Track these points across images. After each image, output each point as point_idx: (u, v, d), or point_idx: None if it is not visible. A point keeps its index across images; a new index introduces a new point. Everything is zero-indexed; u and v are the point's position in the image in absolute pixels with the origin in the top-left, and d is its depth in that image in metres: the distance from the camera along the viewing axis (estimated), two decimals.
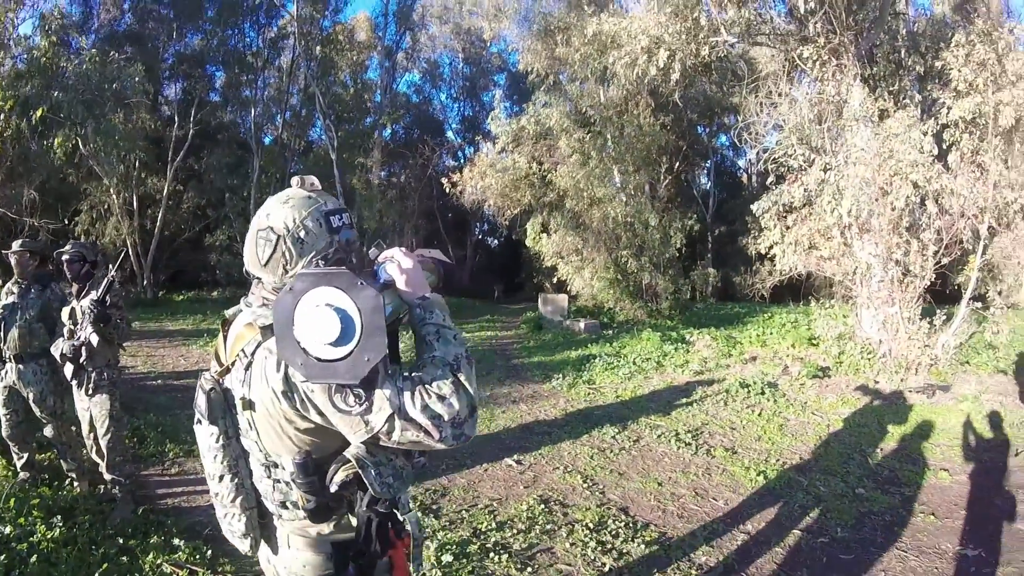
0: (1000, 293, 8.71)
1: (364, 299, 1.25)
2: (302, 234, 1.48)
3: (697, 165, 26.23)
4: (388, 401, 1.31)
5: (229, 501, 1.58)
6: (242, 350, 1.50)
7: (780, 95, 10.42)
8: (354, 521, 1.52)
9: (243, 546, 1.63)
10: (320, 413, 1.36)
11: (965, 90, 8.34)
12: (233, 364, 1.53)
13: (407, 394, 1.32)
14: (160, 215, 21.51)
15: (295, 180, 1.60)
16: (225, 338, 1.62)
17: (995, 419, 6.82)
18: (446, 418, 1.31)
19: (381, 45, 27.34)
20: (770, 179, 10.41)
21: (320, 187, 1.61)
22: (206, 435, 1.57)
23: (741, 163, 28.03)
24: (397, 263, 1.52)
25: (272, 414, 1.43)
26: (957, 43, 8.50)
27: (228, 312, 1.64)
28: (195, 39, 23.85)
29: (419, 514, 4.30)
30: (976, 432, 6.46)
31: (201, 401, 1.54)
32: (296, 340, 1.26)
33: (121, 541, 3.82)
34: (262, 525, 1.65)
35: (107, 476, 4.41)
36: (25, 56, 13.45)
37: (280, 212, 1.51)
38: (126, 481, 4.41)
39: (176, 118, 21.92)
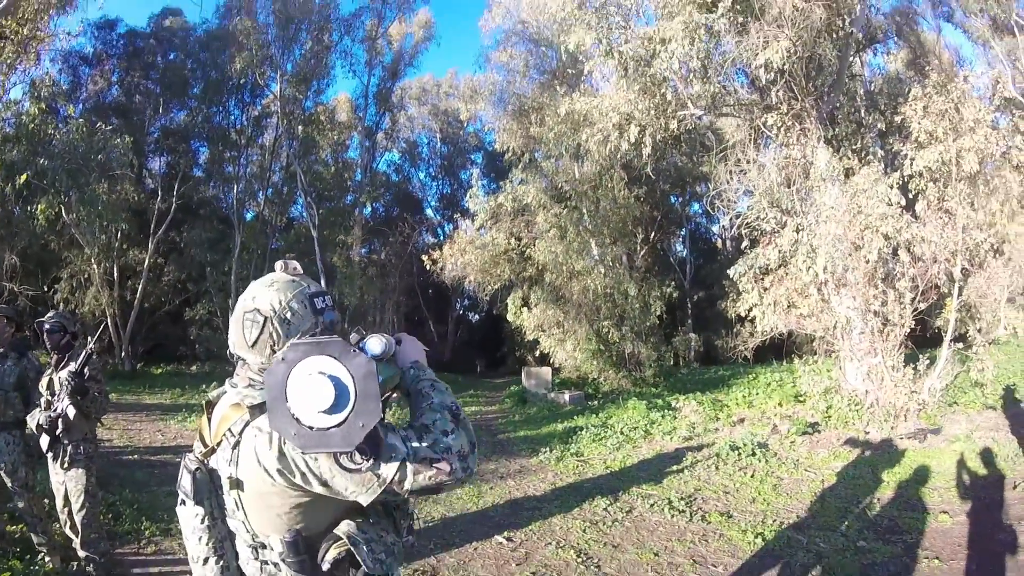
0: (980, 331, 8.81)
1: (357, 365, 1.26)
2: (288, 315, 1.53)
3: (672, 234, 26.70)
4: (396, 448, 1.35)
5: None
6: (229, 430, 1.49)
7: (748, 162, 10.70)
8: None
9: None
10: (323, 483, 1.35)
11: (926, 140, 8.62)
12: (219, 444, 1.52)
13: (414, 437, 1.38)
14: (140, 287, 21.42)
15: (278, 264, 1.65)
16: (210, 419, 1.62)
17: (988, 455, 6.80)
18: (454, 450, 1.38)
19: (361, 125, 27.97)
20: (744, 243, 10.58)
21: (302, 271, 1.67)
22: (190, 516, 1.53)
23: (715, 229, 28.46)
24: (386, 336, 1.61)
25: (263, 493, 1.41)
26: (914, 97, 8.83)
27: (212, 393, 1.65)
28: (180, 115, 24.27)
29: None
30: (971, 470, 6.43)
31: (186, 481, 1.52)
32: (289, 410, 1.25)
33: None
34: None
35: (81, 553, 4.26)
36: (13, 121, 13.52)
37: (266, 295, 1.55)
38: (100, 559, 4.27)
39: (159, 191, 22.21)
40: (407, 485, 1.34)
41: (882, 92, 12.52)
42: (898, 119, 9.55)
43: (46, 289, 19.89)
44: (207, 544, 1.52)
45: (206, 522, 1.51)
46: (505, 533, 5.60)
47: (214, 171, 24.78)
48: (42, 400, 4.15)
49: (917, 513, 5.38)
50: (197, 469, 1.52)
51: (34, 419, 4.10)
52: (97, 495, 4.39)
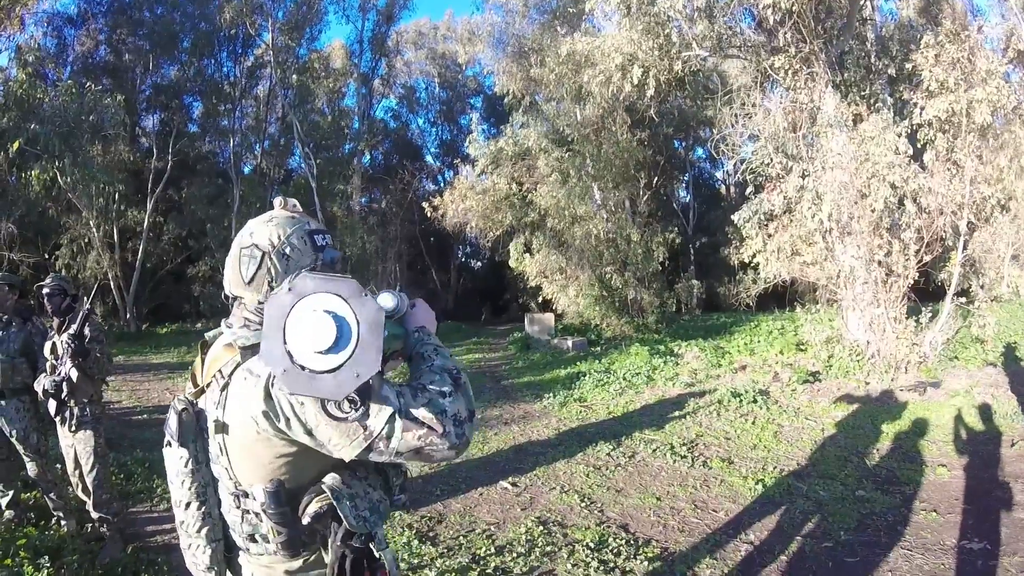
0: (983, 287, 8.83)
1: (366, 311, 1.20)
2: (287, 251, 1.47)
3: (676, 179, 26.43)
4: (387, 401, 1.27)
5: (195, 531, 1.50)
6: (219, 371, 1.44)
7: (753, 105, 10.53)
8: (326, 557, 1.44)
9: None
10: (308, 431, 1.28)
11: (937, 90, 8.45)
12: (208, 385, 1.48)
13: (408, 393, 1.30)
14: (141, 247, 21.39)
15: (277, 201, 1.60)
16: (203, 360, 1.57)
17: (987, 411, 6.88)
18: (449, 413, 1.30)
19: (357, 72, 27.45)
20: (749, 189, 10.51)
21: (301, 209, 1.62)
22: (175, 458, 1.50)
23: (719, 175, 28.29)
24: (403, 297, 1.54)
25: (247, 438, 1.36)
26: (926, 44, 8.63)
27: (209, 334, 1.59)
28: (171, 70, 23.79)
29: (403, 547, 4.20)
30: (970, 426, 6.50)
31: (172, 422, 1.47)
32: (285, 344, 1.19)
33: None
34: (228, 560, 1.56)
35: (94, 514, 4.29)
36: (1, 88, 13.32)
37: (264, 230, 1.49)
38: (114, 519, 4.29)
39: (155, 149, 21.95)
40: (394, 443, 1.25)
41: (893, 38, 12.26)
42: (909, 66, 9.36)
43: (47, 256, 19.78)
44: (190, 488, 1.48)
45: (190, 466, 1.48)
46: (510, 478, 5.70)
47: (209, 126, 24.51)
48: (47, 365, 4.15)
49: (915, 465, 5.46)
50: (184, 410, 1.47)
51: (40, 384, 4.11)
52: (107, 456, 4.41)
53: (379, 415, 1.25)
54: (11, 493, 4.58)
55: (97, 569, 3.89)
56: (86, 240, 20.61)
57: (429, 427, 1.27)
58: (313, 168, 23.07)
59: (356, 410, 1.24)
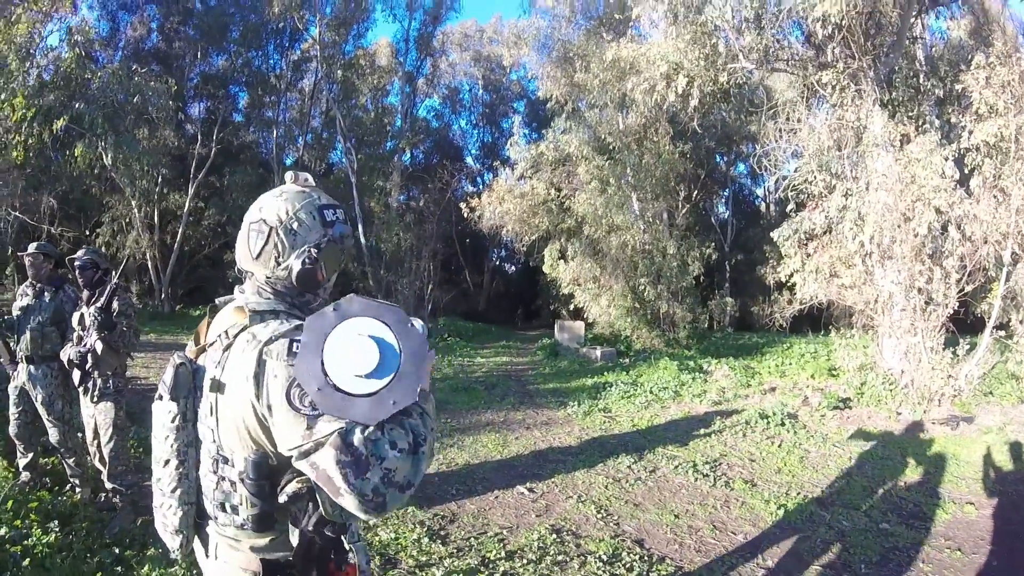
0: (1023, 321, 8.52)
1: (411, 342, 1.20)
2: (295, 226, 1.48)
3: (715, 193, 26.18)
4: (340, 420, 1.20)
5: (169, 490, 1.47)
6: (225, 331, 1.44)
7: (799, 121, 10.38)
8: (294, 539, 1.39)
9: (173, 543, 1.51)
10: (268, 406, 1.26)
11: (986, 113, 8.25)
12: (211, 344, 1.48)
13: (361, 426, 1.19)
14: (180, 230, 21.77)
15: (288, 175, 1.59)
16: (210, 323, 1.58)
17: (1019, 450, 6.66)
18: (385, 465, 1.17)
19: (402, 70, 27.73)
20: (789, 207, 10.35)
21: (314, 183, 1.60)
22: (163, 412, 1.48)
23: (759, 192, 27.99)
24: None
25: (239, 401, 1.35)
26: (977, 65, 8.44)
27: (219, 299, 1.61)
28: (219, 60, 24.34)
29: (413, 544, 4.20)
30: (1000, 464, 6.30)
31: (168, 376, 1.47)
32: (322, 363, 1.18)
33: (118, 551, 3.74)
34: (198, 526, 1.53)
35: (108, 484, 4.37)
36: (51, 67, 13.68)
37: (273, 205, 1.51)
38: (127, 491, 4.36)
39: (199, 136, 22.38)
40: (319, 456, 1.18)
41: (943, 58, 11.96)
42: (958, 88, 9.16)
43: (87, 233, 20.23)
44: (172, 445, 1.46)
45: (176, 422, 1.45)
46: (528, 484, 5.67)
47: (253, 116, 24.94)
48: (74, 335, 4.23)
49: (942, 501, 5.31)
50: (181, 364, 1.47)
51: (66, 354, 4.19)
52: (126, 429, 4.51)
53: (329, 424, 1.19)
54: (31, 456, 4.70)
55: (106, 538, 3.93)
56: (127, 220, 21.07)
57: (356, 464, 1.16)
58: (354, 163, 23.29)
59: (314, 410, 1.21)
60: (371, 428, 1.19)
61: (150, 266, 21.39)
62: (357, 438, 1.17)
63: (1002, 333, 8.54)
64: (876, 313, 9.25)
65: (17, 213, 13.60)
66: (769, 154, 11.46)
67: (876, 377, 8.93)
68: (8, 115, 10.38)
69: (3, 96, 10.30)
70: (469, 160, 33.76)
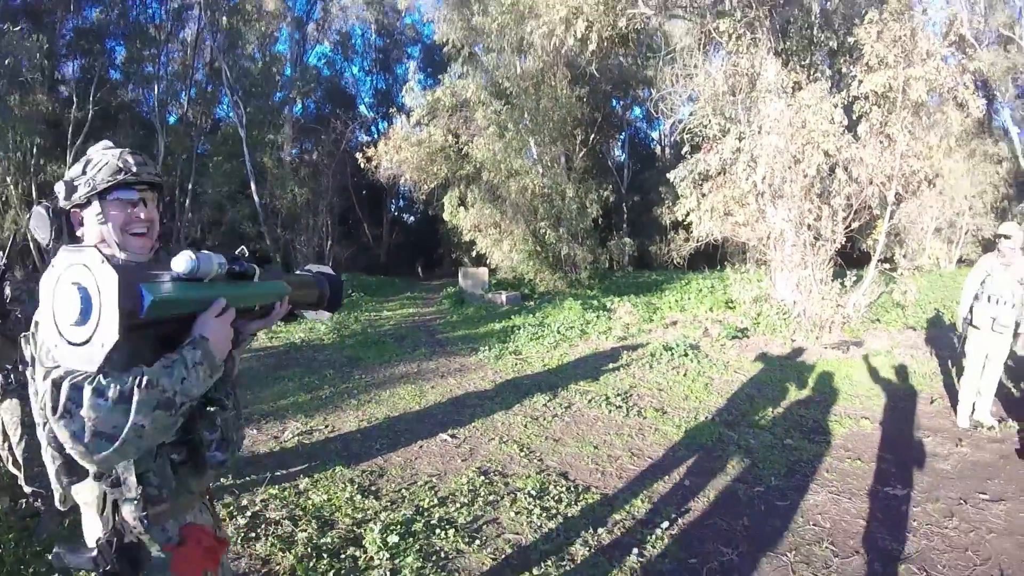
0: (905, 256, 9.25)
1: (103, 279, 1.15)
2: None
3: (612, 137, 26.59)
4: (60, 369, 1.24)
5: (44, 444, 1.48)
6: None
7: (695, 67, 10.61)
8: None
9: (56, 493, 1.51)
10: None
11: (876, 65, 8.67)
12: None
13: (77, 375, 1.23)
14: None
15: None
16: None
17: (905, 371, 7.27)
18: (83, 412, 1.21)
19: (291, 16, 26.47)
20: (685, 149, 10.64)
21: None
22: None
23: (655, 135, 28.61)
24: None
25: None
26: (870, 20, 8.83)
27: None
28: (94, 12, 22.09)
29: (346, 503, 4.21)
30: (890, 383, 6.86)
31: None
32: (55, 319, 1.20)
33: (50, 557, 3.51)
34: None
35: (27, 489, 4.05)
36: None
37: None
38: (47, 492, 3.95)
39: (75, 98, 20.39)
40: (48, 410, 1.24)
41: (837, 12, 12.46)
42: (851, 40, 9.60)
43: None
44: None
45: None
46: (449, 431, 5.71)
47: (132, 72, 22.85)
48: None
49: (839, 417, 5.72)
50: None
51: None
52: (36, 425, 4.14)
53: (47, 377, 1.26)
54: None
55: (36, 546, 3.69)
56: (3, 198, 19.18)
57: (55, 410, 1.23)
58: (243, 117, 22.15)
59: (53, 363, 1.26)
60: (79, 376, 1.22)
61: (32, 246, 19.76)
62: (64, 385, 1.22)
63: (887, 266, 9.22)
64: (769, 249, 9.77)
65: None
66: (665, 98, 11.72)
67: (771, 308, 9.50)
68: None
69: None
70: (363, 109, 32.82)
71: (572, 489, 4.26)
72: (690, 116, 10.85)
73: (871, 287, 9.11)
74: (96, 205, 1.52)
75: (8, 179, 18.22)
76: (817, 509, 3.91)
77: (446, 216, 18.24)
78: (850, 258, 9.82)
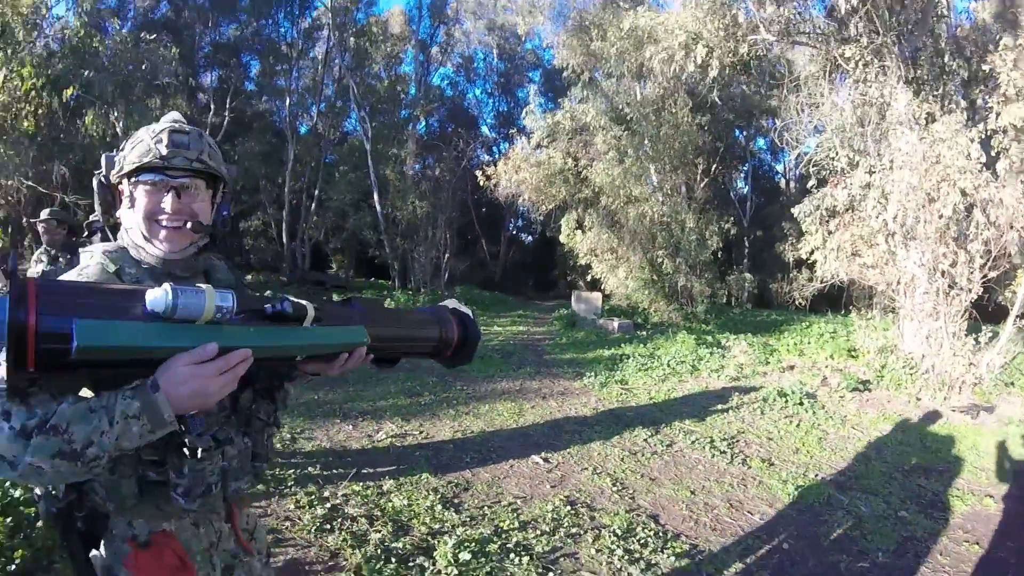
0: None
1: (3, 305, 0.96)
2: None
3: (734, 168, 25.87)
4: None
5: None
6: None
7: (821, 96, 10.20)
8: None
9: None
10: None
11: (1014, 96, 8.03)
12: None
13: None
14: None
15: None
16: None
17: None
18: None
19: (415, 39, 27.72)
20: (811, 183, 10.28)
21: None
22: None
23: (779, 168, 27.60)
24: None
25: None
26: (1005, 47, 8.22)
27: None
28: (230, 29, 24.18)
29: (426, 511, 4.21)
30: (1021, 458, 6.22)
31: None
32: None
33: None
34: None
35: None
36: (59, 36, 13.59)
37: None
38: None
39: (212, 105, 22.29)
40: None
41: (968, 39, 11.67)
42: (985, 68, 8.91)
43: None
44: None
45: None
46: (543, 453, 5.66)
47: (266, 85, 24.89)
48: None
49: (961, 492, 5.23)
50: None
51: None
52: None
53: None
54: None
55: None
56: None
57: None
58: (368, 131, 23.20)
59: None
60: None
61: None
62: None
63: None
64: (898, 295, 9.17)
65: (29, 182, 13.54)
66: (790, 128, 11.34)
67: (896, 360, 8.85)
68: (17, 85, 10.30)
69: (12, 66, 10.22)
70: (484, 129, 33.63)
71: (661, 535, 4.10)
72: (816, 148, 10.43)
73: (1008, 345, 8.27)
74: (126, 187, 1.39)
75: None
76: None
77: (563, 238, 18.28)
78: (985, 311, 9.01)
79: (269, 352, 1.23)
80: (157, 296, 1.06)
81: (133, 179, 1.36)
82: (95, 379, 1.16)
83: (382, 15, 26.98)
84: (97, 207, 1.48)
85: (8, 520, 3.18)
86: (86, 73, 12.60)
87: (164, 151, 1.34)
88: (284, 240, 24.66)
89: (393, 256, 24.27)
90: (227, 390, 1.16)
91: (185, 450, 1.30)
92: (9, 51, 10.34)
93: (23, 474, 1.07)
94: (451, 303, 1.78)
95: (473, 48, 32.97)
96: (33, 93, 10.68)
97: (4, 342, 0.95)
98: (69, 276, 1.34)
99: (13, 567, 2.95)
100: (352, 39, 23.38)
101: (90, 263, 1.37)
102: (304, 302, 1.28)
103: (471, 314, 1.75)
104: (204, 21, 22.94)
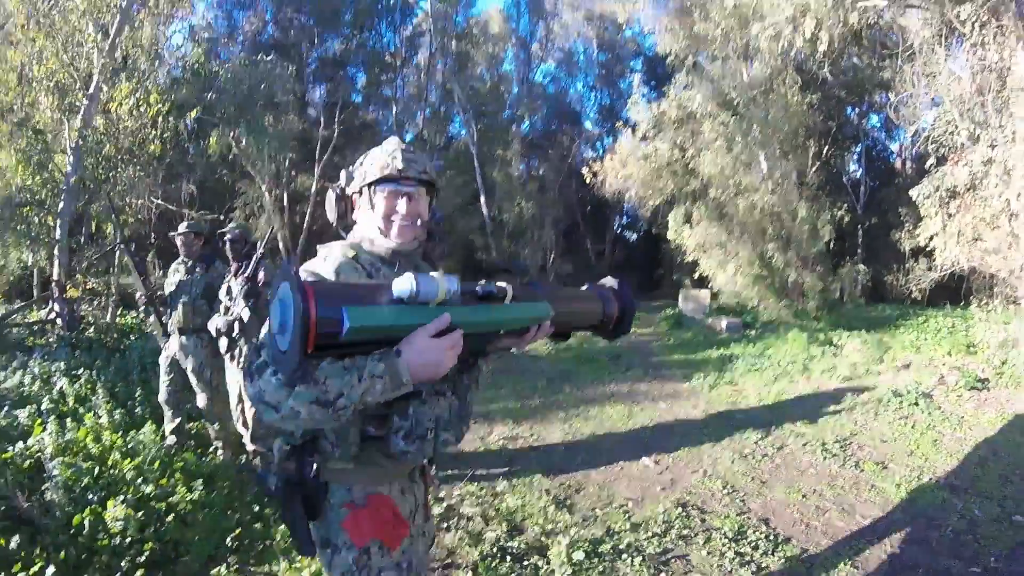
0: None
1: (296, 302, 1.20)
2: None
3: (847, 150, 24.55)
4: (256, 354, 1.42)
5: None
6: None
7: (937, 64, 9.69)
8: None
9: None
10: None
11: None
12: None
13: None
14: (308, 211, 22.80)
15: None
16: None
17: None
18: (259, 383, 1.38)
19: (515, 36, 28.01)
20: (929, 162, 9.84)
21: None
22: None
23: (894, 148, 25.94)
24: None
25: None
26: None
27: None
28: (335, 43, 25.10)
29: (539, 512, 4.44)
30: None
31: None
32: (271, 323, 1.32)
33: (256, 509, 4.09)
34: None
35: (250, 447, 4.61)
36: (180, 64, 14.66)
37: None
38: (267, 451, 4.76)
39: (321, 119, 23.28)
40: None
41: None
42: None
43: (222, 218, 21.62)
44: None
45: None
46: (653, 456, 5.84)
47: (372, 95, 25.76)
48: (221, 306, 4.61)
49: None
50: None
51: (214, 323, 4.50)
52: None
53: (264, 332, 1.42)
54: (177, 421, 5.11)
55: (246, 497, 4.26)
56: (258, 204, 22.23)
57: (248, 374, 1.40)
58: (474, 134, 23.71)
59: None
60: (265, 351, 1.38)
61: (281, 246, 22.74)
62: (262, 355, 1.39)
63: None
64: (1021, 283, 8.68)
65: (159, 200, 14.74)
66: (905, 102, 10.93)
67: (1018, 355, 8.40)
68: (144, 111, 11.28)
69: (138, 94, 11.21)
70: (588, 124, 33.31)
71: (772, 538, 4.24)
72: (934, 122, 9.96)
73: None
74: (366, 195, 1.78)
75: (263, 188, 21.05)
76: None
77: (670, 234, 18.02)
78: None
79: (482, 327, 1.49)
80: (403, 284, 1.33)
81: (375, 187, 1.76)
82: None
83: (481, 16, 27.53)
84: (332, 214, 1.92)
85: (140, 514, 3.56)
86: (208, 96, 13.63)
87: (401, 165, 1.74)
88: None
89: (501, 258, 24.79)
90: (453, 362, 1.43)
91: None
92: (135, 81, 11.30)
93: (284, 416, 1.36)
94: (609, 280, 2.02)
95: (572, 41, 32.78)
96: (160, 118, 11.63)
97: (295, 331, 1.19)
98: (315, 262, 1.68)
99: (142, 559, 3.31)
100: (453, 43, 24.00)
101: (331, 253, 1.72)
102: (504, 284, 1.55)
103: (628, 289, 1.98)
104: (310, 38, 24.01)
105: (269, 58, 15.95)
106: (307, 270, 1.60)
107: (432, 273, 1.38)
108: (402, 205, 1.75)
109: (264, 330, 1.41)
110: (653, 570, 3.76)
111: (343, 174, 1.85)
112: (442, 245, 2.07)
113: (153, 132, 11.52)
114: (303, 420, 1.38)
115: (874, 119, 24.22)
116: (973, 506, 4.83)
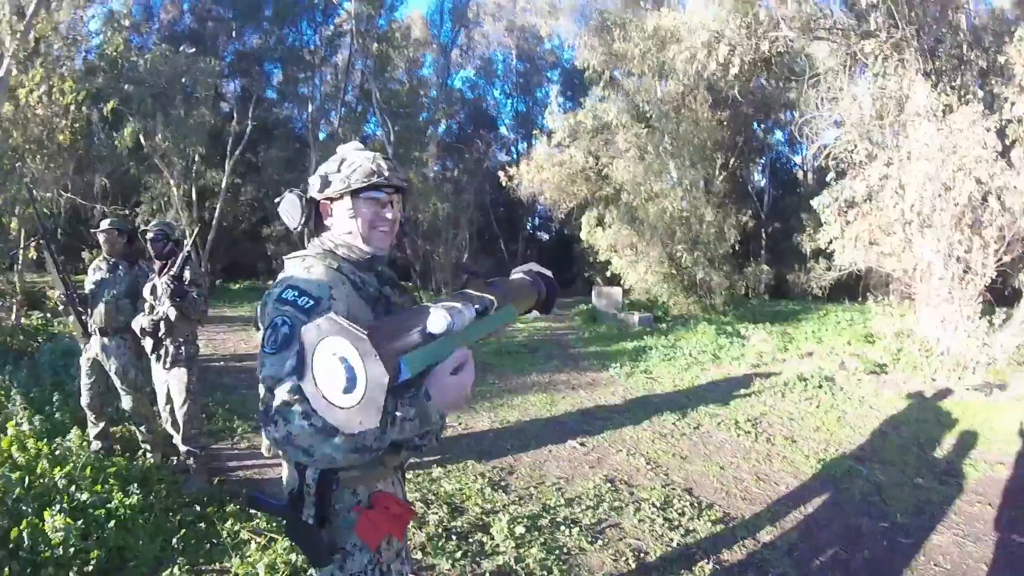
0: None
1: (374, 373, 1.14)
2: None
3: (752, 161, 25.82)
4: (282, 367, 1.40)
5: None
6: None
7: (840, 90, 10.39)
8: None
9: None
10: (260, 344, 1.50)
11: None
12: None
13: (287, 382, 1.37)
14: (218, 207, 21.95)
15: None
16: None
17: None
18: (287, 428, 1.35)
19: (436, 42, 28.06)
20: (829, 175, 10.41)
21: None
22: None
23: (797, 160, 27.55)
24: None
25: None
26: (1020, 37, 8.40)
27: None
28: (253, 38, 24.35)
29: (477, 494, 4.56)
30: None
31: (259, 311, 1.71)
32: (313, 371, 1.21)
33: (198, 509, 3.99)
34: None
35: (182, 448, 4.55)
36: (96, 50, 14.01)
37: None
38: (201, 452, 4.57)
39: (235, 114, 22.55)
40: (264, 392, 1.40)
41: (986, 28, 11.75)
42: (1001, 59, 9.08)
43: (128, 213, 20.59)
44: None
45: None
46: (578, 439, 6.01)
47: (288, 92, 25.10)
48: (146, 305, 4.40)
49: (974, 461, 5.50)
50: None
51: (138, 323, 4.37)
52: (198, 393, 4.64)
53: (273, 367, 1.41)
54: (101, 425, 4.86)
55: (184, 498, 4.16)
56: (166, 199, 21.22)
57: (265, 412, 1.39)
58: (390, 135, 23.48)
59: (274, 352, 1.43)
60: (287, 392, 1.35)
61: (189, 242, 21.75)
62: (277, 394, 1.37)
63: None
64: (914, 281, 9.40)
65: (69, 194, 13.91)
66: (809, 122, 11.49)
67: (913, 344, 9.08)
68: (57, 99, 10.65)
69: (52, 81, 10.58)
70: (504, 130, 33.80)
71: (696, 505, 4.45)
72: (835, 141, 10.61)
73: (1021, 327, 8.52)
74: (348, 201, 1.72)
75: (172, 182, 20.07)
76: (940, 550, 3.90)
77: (583, 236, 18.47)
78: (1000, 295, 9.25)
79: (473, 340, 1.47)
80: (439, 322, 1.28)
81: (361, 195, 1.72)
82: None
83: (403, 20, 27.23)
84: (291, 220, 1.80)
85: (80, 523, 3.37)
86: (125, 87, 12.99)
87: (387, 173, 1.72)
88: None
89: (415, 257, 24.64)
90: (471, 391, 1.41)
91: None
92: (49, 67, 10.65)
93: (317, 460, 1.37)
94: (533, 266, 2.07)
95: (493, 50, 33.21)
96: (73, 107, 10.99)
97: (368, 400, 1.14)
98: (297, 276, 1.60)
99: (89, 568, 3.14)
100: (375, 45, 23.64)
101: (313, 265, 1.66)
102: (490, 296, 1.54)
103: (548, 272, 2.06)
104: (227, 31, 23.28)
105: (193, 50, 15.34)
106: (296, 287, 1.54)
107: (455, 304, 1.38)
108: (388, 212, 1.76)
109: (287, 373, 1.38)
110: (591, 538, 3.89)
111: (316, 179, 1.77)
112: (412, 244, 1.99)
113: (64, 121, 10.85)
114: (335, 463, 1.41)
115: (779, 134, 25.70)
116: (877, 472, 5.19)
